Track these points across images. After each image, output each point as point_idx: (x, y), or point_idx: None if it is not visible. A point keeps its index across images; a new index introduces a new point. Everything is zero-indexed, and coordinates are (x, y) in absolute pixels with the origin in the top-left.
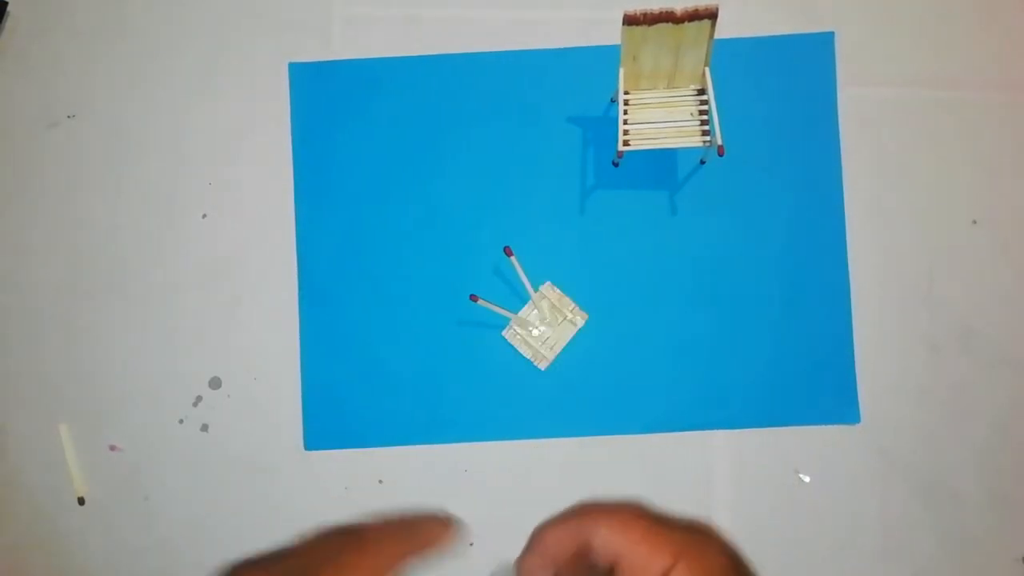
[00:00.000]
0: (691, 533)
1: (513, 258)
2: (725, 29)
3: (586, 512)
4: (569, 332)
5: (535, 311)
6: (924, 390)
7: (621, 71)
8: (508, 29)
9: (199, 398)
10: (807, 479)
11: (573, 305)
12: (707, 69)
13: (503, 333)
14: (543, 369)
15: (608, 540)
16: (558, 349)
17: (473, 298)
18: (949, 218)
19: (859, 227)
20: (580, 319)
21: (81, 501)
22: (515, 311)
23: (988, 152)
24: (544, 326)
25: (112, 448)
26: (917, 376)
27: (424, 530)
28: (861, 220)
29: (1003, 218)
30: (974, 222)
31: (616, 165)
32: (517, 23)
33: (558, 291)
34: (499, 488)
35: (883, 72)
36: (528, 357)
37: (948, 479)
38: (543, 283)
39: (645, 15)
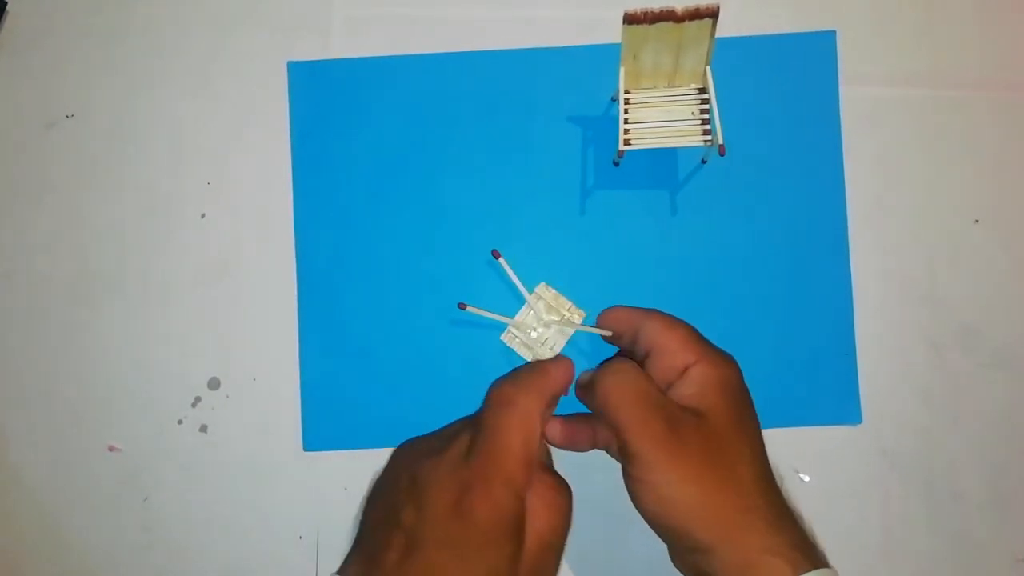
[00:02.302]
0: (719, 352)
1: (502, 260)
2: (726, 28)
3: (649, 310)
4: (568, 331)
5: (531, 312)
6: (925, 390)
7: (622, 70)
8: (508, 28)
9: (198, 399)
10: (807, 479)
11: (569, 304)
12: (708, 68)
13: (501, 337)
14: None
15: (653, 330)
16: (558, 349)
17: (462, 306)
18: (951, 217)
19: (860, 226)
20: (577, 317)
21: None
22: (514, 312)
23: (990, 151)
24: (542, 327)
25: (111, 448)
26: (918, 376)
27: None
28: (862, 220)
29: (1005, 217)
30: (976, 221)
31: (616, 165)
32: (517, 22)
33: (553, 291)
34: None
35: (885, 71)
36: (528, 359)
37: (949, 479)
38: (538, 283)
39: (646, 14)
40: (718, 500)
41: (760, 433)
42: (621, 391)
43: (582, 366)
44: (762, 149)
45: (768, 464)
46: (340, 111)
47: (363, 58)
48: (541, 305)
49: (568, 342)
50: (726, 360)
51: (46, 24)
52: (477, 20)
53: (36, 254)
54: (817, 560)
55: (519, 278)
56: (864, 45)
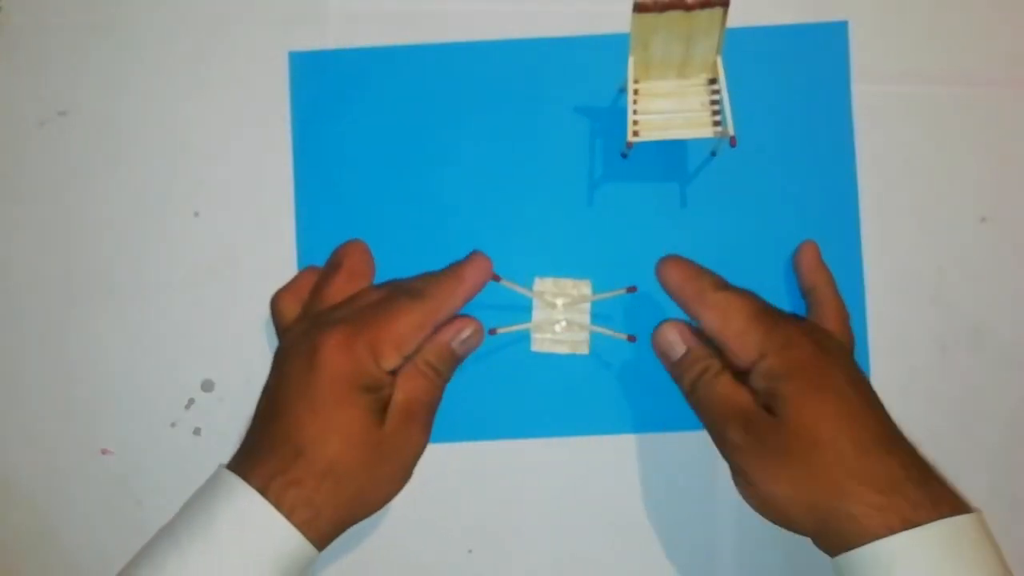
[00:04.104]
0: (784, 329)
1: (503, 281)
2: (736, 18)
3: (701, 292)
4: (584, 307)
5: (544, 308)
6: (934, 391)
7: (631, 60)
8: (515, 18)
9: (191, 401)
10: None
11: (571, 280)
12: (719, 58)
13: (533, 348)
14: (587, 353)
15: (711, 327)
16: (586, 329)
17: (492, 332)
18: (958, 216)
19: (869, 223)
20: (587, 288)
21: None
22: (528, 316)
23: (999, 149)
24: (561, 316)
25: (103, 452)
26: (927, 377)
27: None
28: (871, 216)
29: (1012, 216)
30: (983, 220)
31: (625, 156)
32: (524, 12)
33: (550, 279)
34: (499, 492)
35: (894, 66)
36: (567, 352)
37: (958, 481)
38: (534, 280)
39: (656, 2)
40: (806, 492)
41: (857, 394)
42: (706, 402)
43: (582, 370)
44: (772, 142)
45: (875, 423)
46: (343, 102)
47: (366, 48)
48: (547, 295)
49: (592, 317)
50: (794, 338)
51: (38, 18)
52: (484, 11)
53: (25, 253)
54: (924, 515)
55: (526, 271)
56: (874, 39)
